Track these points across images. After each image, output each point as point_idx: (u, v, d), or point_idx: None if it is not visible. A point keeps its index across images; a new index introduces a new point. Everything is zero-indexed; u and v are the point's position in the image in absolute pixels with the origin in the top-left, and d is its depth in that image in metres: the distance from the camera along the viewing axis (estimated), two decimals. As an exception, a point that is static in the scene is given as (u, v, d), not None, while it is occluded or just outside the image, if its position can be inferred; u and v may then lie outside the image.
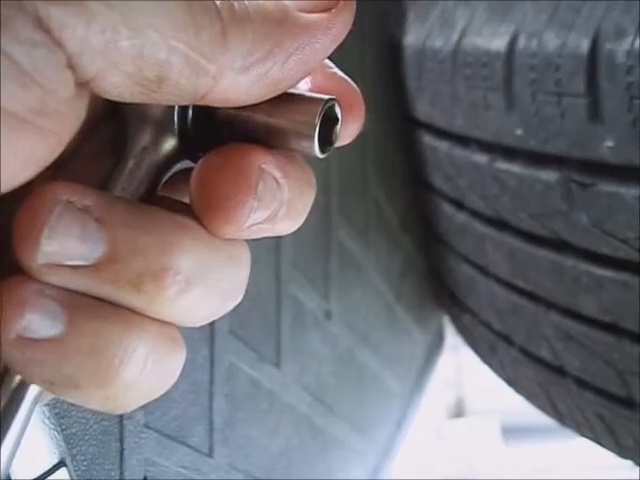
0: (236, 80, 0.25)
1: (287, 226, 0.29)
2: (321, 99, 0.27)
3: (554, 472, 1.91)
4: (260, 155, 0.27)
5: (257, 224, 0.27)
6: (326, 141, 0.28)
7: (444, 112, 0.79)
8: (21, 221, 0.24)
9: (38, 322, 0.24)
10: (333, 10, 0.27)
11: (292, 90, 0.28)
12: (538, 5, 0.63)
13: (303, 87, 0.29)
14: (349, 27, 0.28)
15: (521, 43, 0.63)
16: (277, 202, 0.27)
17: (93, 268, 0.25)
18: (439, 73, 0.77)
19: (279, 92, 0.27)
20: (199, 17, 0.24)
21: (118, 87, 0.24)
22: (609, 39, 0.56)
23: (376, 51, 0.90)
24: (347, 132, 0.29)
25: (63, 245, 0.24)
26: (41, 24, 0.22)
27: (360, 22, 0.87)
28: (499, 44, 0.66)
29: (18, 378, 0.26)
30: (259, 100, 0.27)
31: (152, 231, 0.25)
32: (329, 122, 0.28)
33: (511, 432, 2.01)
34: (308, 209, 0.30)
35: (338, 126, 0.28)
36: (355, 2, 0.28)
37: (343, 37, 0.28)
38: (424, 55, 0.80)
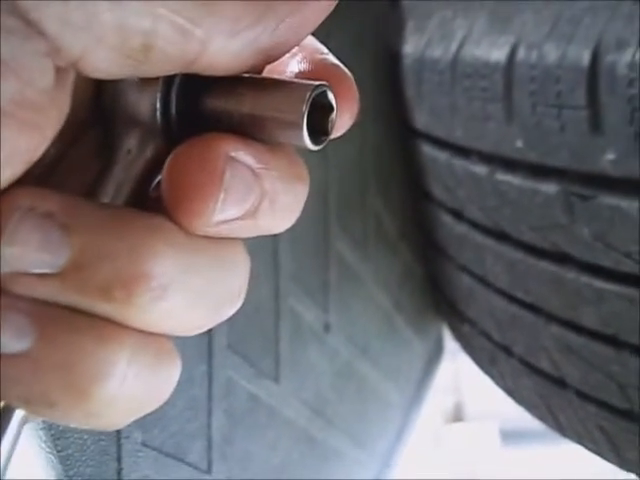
0: (225, 45, 0.24)
1: (274, 223, 0.27)
2: (310, 85, 0.26)
3: (553, 476, 1.90)
4: (230, 143, 0.25)
5: (236, 219, 0.25)
6: (321, 131, 0.26)
7: (443, 122, 0.78)
8: None
9: (5, 336, 0.23)
10: None
11: (280, 77, 0.27)
12: (538, 16, 0.63)
13: (293, 73, 0.28)
14: None
15: (521, 54, 0.63)
16: (255, 194, 0.26)
17: (59, 276, 0.24)
18: (438, 83, 0.76)
19: (268, 61, 0.26)
20: None
21: (104, 63, 0.23)
22: (610, 51, 0.55)
23: (375, 61, 0.90)
24: (340, 122, 0.27)
25: (24, 252, 0.23)
26: (15, 8, 0.22)
27: (358, 32, 0.86)
28: (499, 55, 0.66)
29: (3, 402, 0.25)
30: (248, 68, 0.26)
31: (122, 235, 0.24)
32: (323, 110, 0.26)
33: (510, 437, 2.00)
34: (299, 205, 0.28)
35: (333, 114, 0.27)
36: None
37: (334, 4, 0.26)
38: (423, 65, 0.80)
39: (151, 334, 0.25)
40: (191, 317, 0.26)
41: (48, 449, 0.42)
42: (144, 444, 0.52)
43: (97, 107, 0.28)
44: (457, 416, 2.16)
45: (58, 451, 0.43)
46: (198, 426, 0.58)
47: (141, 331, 0.25)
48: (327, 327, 0.79)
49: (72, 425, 0.26)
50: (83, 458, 0.45)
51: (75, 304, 0.24)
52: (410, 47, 0.84)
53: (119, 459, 0.49)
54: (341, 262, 0.83)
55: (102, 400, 0.24)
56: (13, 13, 0.22)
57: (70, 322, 0.24)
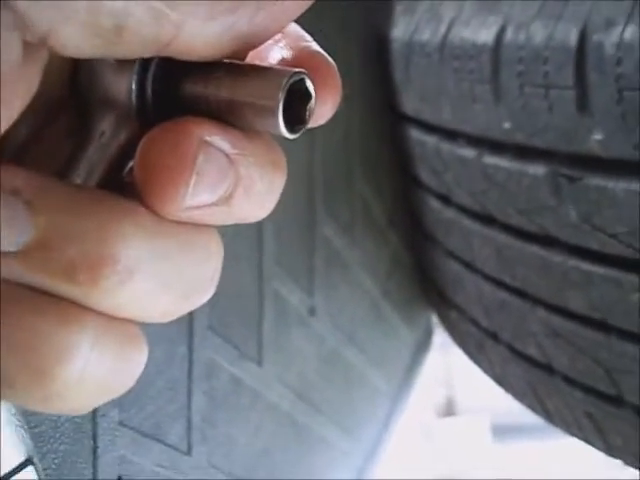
0: (201, 30, 0.24)
1: (249, 211, 0.27)
2: (287, 71, 0.25)
3: (545, 471, 1.91)
4: (204, 127, 0.25)
5: (210, 205, 0.25)
6: (300, 120, 0.26)
7: (432, 106, 0.78)
8: None
9: None
10: None
11: (259, 64, 0.27)
12: (526, -4, 0.63)
13: (275, 60, 0.28)
14: None
15: (508, 35, 0.63)
16: (229, 180, 0.25)
17: (23, 255, 0.23)
18: (426, 66, 0.76)
19: (247, 48, 0.26)
20: None
21: (74, 41, 0.23)
22: (597, 30, 0.55)
23: (363, 44, 0.90)
24: (321, 110, 0.27)
25: None
26: None
27: (346, 15, 0.86)
28: (486, 36, 0.65)
29: None
30: (227, 55, 0.25)
31: (90, 216, 0.24)
32: (301, 98, 0.26)
33: (502, 431, 2.01)
34: (275, 193, 0.27)
35: (312, 102, 0.26)
36: None
37: None
38: (411, 48, 0.79)
39: (116, 318, 0.25)
40: (158, 303, 0.25)
41: (19, 423, 0.41)
42: (121, 423, 0.51)
43: (73, 88, 0.27)
44: (449, 410, 2.17)
45: (30, 427, 0.42)
46: (178, 407, 0.58)
47: (106, 315, 0.24)
48: (312, 311, 0.79)
49: (34, 408, 0.25)
50: (57, 435, 0.45)
51: (38, 284, 0.24)
52: (399, 31, 0.83)
53: (95, 437, 0.48)
54: (327, 247, 0.82)
55: (64, 382, 0.24)
56: None
57: (32, 302, 0.24)
